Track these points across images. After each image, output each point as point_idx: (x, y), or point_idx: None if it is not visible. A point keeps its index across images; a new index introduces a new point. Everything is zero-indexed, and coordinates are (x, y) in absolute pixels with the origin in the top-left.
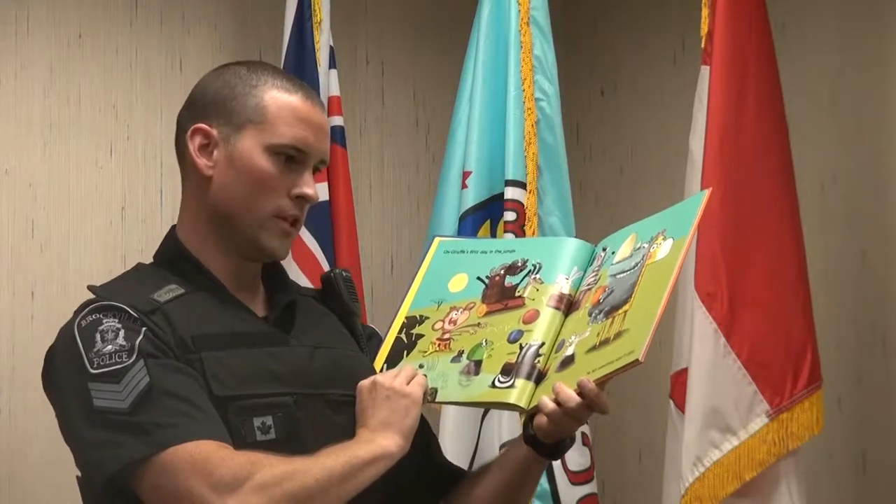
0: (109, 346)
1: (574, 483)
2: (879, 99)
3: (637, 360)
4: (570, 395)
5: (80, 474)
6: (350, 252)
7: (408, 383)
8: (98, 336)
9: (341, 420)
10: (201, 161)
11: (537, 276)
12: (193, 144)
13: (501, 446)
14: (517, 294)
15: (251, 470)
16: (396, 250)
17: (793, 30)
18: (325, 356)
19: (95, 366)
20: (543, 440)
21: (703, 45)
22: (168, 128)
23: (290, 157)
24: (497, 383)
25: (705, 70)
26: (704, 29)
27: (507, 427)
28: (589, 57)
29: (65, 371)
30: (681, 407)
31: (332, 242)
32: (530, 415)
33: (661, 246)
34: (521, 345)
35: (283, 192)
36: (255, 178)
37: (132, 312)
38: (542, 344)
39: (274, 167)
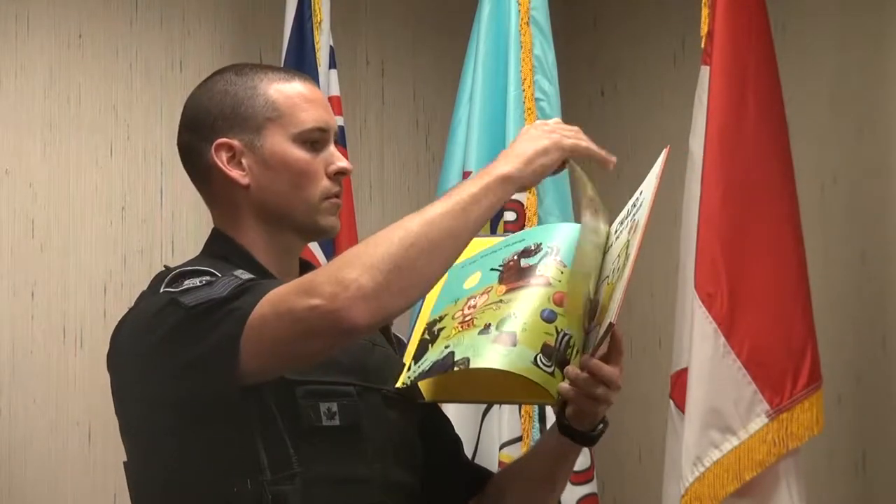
0: (198, 281)
1: (574, 483)
2: (880, 99)
3: (611, 322)
4: (576, 373)
5: (126, 459)
6: None
7: (563, 134)
8: (186, 281)
9: (393, 415)
10: (235, 173)
11: (558, 258)
12: (221, 160)
13: (502, 446)
14: (539, 273)
15: (331, 263)
16: None
17: (793, 30)
18: (380, 353)
19: (183, 287)
20: (578, 427)
21: (703, 45)
22: (168, 128)
23: (315, 140)
24: (540, 363)
25: (705, 70)
26: (704, 29)
27: (507, 427)
28: (589, 57)
29: (144, 319)
30: (681, 407)
31: (333, 242)
32: (562, 404)
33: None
34: (556, 327)
35: (322, 174)
36: (295, 171)
37: (217, 273)
38: (572, 336)
39: (306, 154)
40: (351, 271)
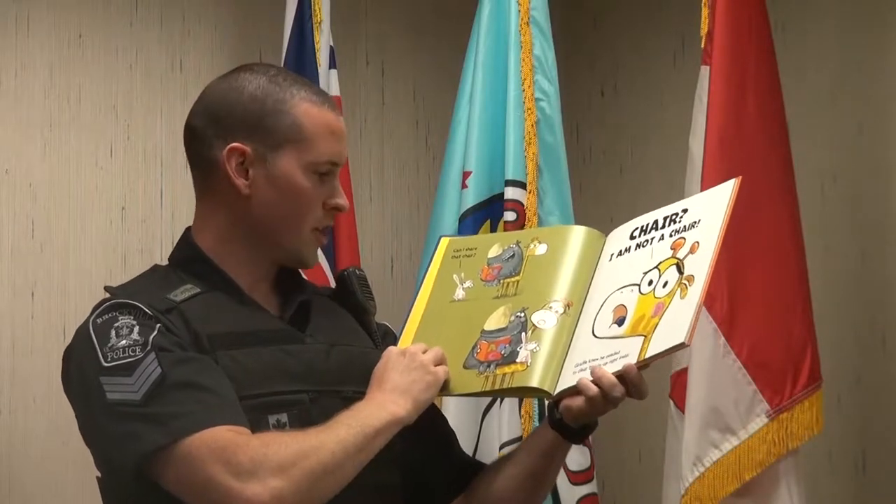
0: (123, 341)
1: (574, 483)
2: (879, 99)
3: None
4: (612, 382)
5: (99, 475)
6: (350, 252)
7: (435, 364)
8: (113, 332)
9: None
10: (240, 181)
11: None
12: (231, 164)
13: (502, 446)
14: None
15: (267, 452)
16: (396, 250)
17: (793, 30)
18: (341, 353)
19: (108, 360)
20: (571, 424)
21: (703, 45)
22: (168, 128)
23: (324, 172)
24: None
25: (705, 70)
26: (704, 29)
27: (507, 426)
28: (589, 57)
29: (80, 368)
30: (681, 407)
31: (333, 243)
32: (556, 400)
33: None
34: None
35: (319, 205)
36: (297, 198)
37: (147, 310)
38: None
39: (312, 184)
40: (270, 464)
